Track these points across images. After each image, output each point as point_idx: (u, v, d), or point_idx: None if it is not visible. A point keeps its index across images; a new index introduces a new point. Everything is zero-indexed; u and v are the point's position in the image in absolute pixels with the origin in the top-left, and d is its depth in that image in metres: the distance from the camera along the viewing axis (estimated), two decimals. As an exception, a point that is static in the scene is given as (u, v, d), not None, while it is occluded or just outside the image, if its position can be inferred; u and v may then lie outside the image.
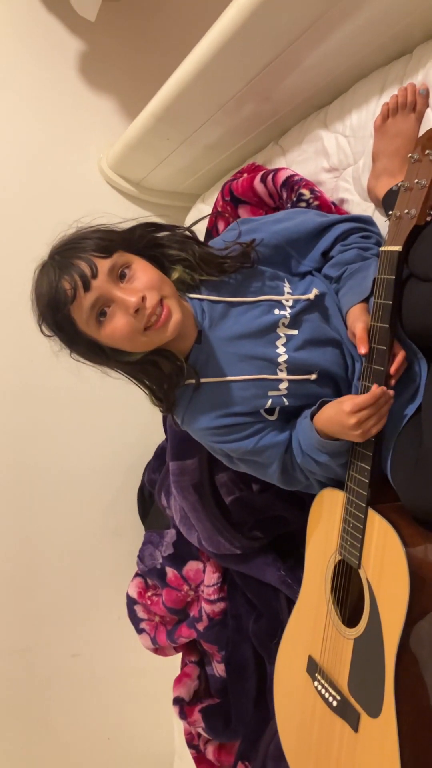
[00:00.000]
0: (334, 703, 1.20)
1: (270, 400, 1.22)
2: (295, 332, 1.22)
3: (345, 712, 1.18)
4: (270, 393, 1.22)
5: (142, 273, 1.12)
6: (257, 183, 1.52)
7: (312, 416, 1.17)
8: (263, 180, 1.51)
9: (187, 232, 1.23)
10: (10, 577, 2.33)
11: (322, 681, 1.25)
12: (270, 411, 1.25)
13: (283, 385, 1.22)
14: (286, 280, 1.25)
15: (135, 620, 1.95)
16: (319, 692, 1.24)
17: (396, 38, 1.32)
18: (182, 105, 1.70)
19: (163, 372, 1.20)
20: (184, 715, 1.78)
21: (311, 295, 1.22)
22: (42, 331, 1.15)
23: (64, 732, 2.40)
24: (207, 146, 1.92)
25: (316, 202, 1.40)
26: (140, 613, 1.93)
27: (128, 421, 2.41)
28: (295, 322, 1.22)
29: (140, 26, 2.34)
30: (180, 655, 1.93)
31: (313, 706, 1.27)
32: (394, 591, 1.06)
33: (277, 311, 1.21)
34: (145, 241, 1.19)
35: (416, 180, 1.09)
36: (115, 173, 2.30)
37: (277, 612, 1.53)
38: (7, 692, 2.32)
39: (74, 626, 2.40)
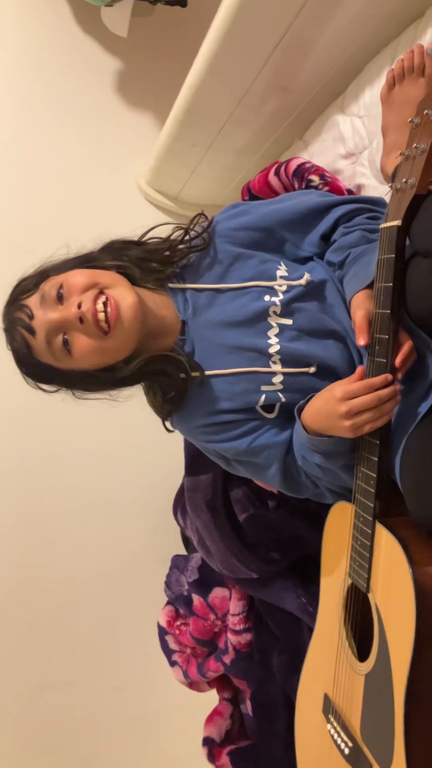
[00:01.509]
0: (347, 751, 1.04)
1: (263, 396, 1.10)
2: (289, 321, 1.10)
3: (357, 761, 1.02)
4: (263, 388, 1.10)
5: (74, 280, 1.04)
6: (272, 176, 1.43)
7: (300, 410, 1.04)
8: (277, 173, 1.41)
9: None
10: (53, 608, 2.28)
11: (335, 724, 1.09)
12: (268, 408, 1.13)
13: (277, 379, 1.09)
14: (282, 264, 1.13)
15: (167, 652, 1.83)
16: (332, 737, 1.08)
17: (407, 4, 1.20)
18: (201, 105, 1.64)
19: (169, 377, 1.11)
20: (212, 757, 1.63)
21: (302, 281, 1.10)
22: (43, 390, 1.13)
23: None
24: (234, 150, 1.85)
25: (326, 188, 1.29)
26: (171, 644, 1.81)
27: (171, 443, 2.33)
28: (288, 310, 1.10)
29: (172, 40, 2.31)
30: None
31: (329, 753, 1.11)
32: (401, 619, 0.91)
33: (267, 298, 1.10)
34: (77, 262, 1.12)
35: (415, 145, 0.96)
36: (153, 189, 2.27)
37: (299, 644, 1.38)
38: (49, 727, 2.24)
39: (117, 659, 2.31)
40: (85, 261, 1.12)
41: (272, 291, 1.11)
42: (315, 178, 1.29)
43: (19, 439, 2.19)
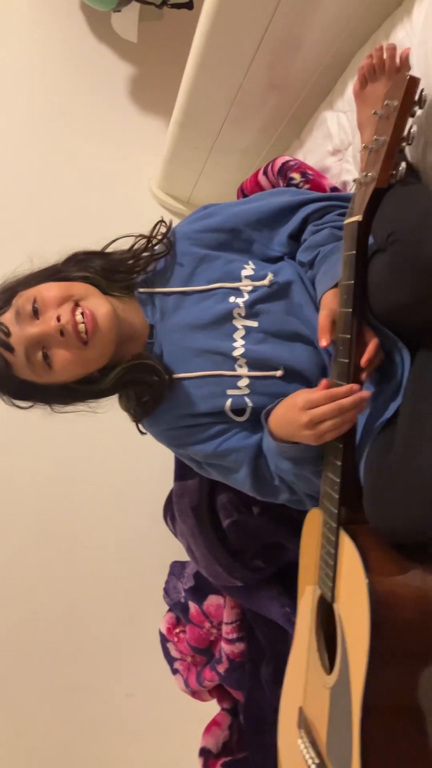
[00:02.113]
0: (313, 767, 1.00)
1: (230, 400, 1.08)
2: (254, 323, 1.08)
3: (322, 778, 0.98)
4: (229, 391, 1.08)
5: (47, 294, 1.04)
6: (260, 176, 1.41)
7: (267, 415, 1.01)
8: (265, 172, 1.38)
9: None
10: (64, 613, 2.28)
11: (305, 739, 1.05)
12: (238, 411, 1.10)
13: (243, 383, 1.07)
14: (250, 263, 1.11)
15: (169, 659, 1.81)
16: (302, 752, 1.05)
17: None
18: (197, 107, 1.63)
19: (146, 384, 1.10)
20: (207, 768, 1.60)
21: (266, 281, 1.07)
22: (18, 407, 1.12)
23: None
24: (237, 151, 1.83)
25: (307, 186, 1.26)
26: (173, 651, 1.79)
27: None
28: (252, 312, 1.08)
29: (183, 44, 2.31)
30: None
31: (299, 768, 1.07)
32: (358, 630, 0.87)
33: (232, 299, 1.08)
34: (44, 276, 1.11)
35: (375, 138, 0.93)
36: (164, 193, 2.28)
37: (284, 654, 1.33)
38: (58, 731, 2.25)
39: (129, 665, 2.30)
40: (52, 274, 1.12)
41: (237, 292, 1.09)
42: (296, 176, 1.26)
43: (22, 452, 2.21)
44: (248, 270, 1.10)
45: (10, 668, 2.25)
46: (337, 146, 1.32)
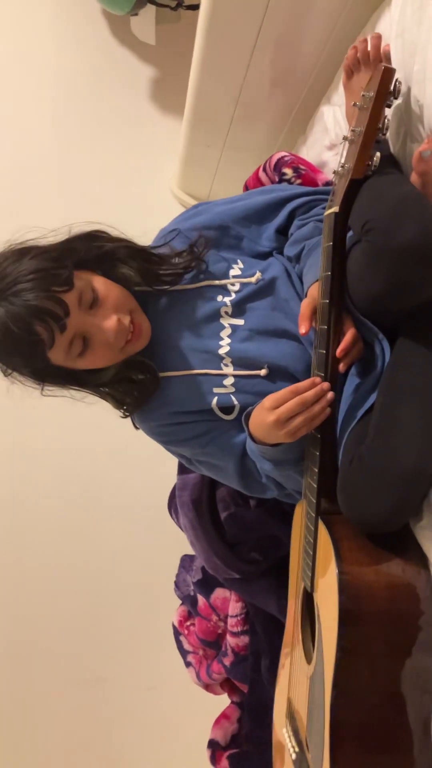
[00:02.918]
0: (293, 756, 1.01)
1: (216, 398, 1.09)
2: (240, 322, 1.09)
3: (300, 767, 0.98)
4: (215, 390, 1.09)
5: (109, 293, 1.03)
6: (261, 173, 1.41)
7: (247, 418, 1.02)
8: (264, 168, 1.39)
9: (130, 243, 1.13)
10: (87, 605, 2.33)
11: (289, 728, 1.06)
12: (226, 410, 1.11)
13: (229, 381, 1.08)
14: (239, 261, 1.12)
15: (182, 652, 1.82)
16: (286, 742, 1.05)
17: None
18: (204, 106, 1.66)
19: (135, 381, 1.11)
20: (214, 760, 1.61)
21: (253, 279, 1.08)
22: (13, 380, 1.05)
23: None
24: (248, 148, 1.84)
25: (299, 181, 1.26)
26: (185, 644, 1.80)
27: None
28: (239, 310, 1.09)
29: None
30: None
31: (286, 758, 1.08)
32: (330, 620, 0.87)
33: (220, 298, 1.09)
34: (92, 254, 1.08)
35: (352, 128, 0.93)
36: (184, 192, 2.30)
37: (280, 648, 1.34)
38: (78, 723, 2.29)
39: (151, 658, 2.33)
40: (103, 258, 1.08)
41: (225, 291, 1.10)
42: (288, 171, 1.27)
43: (39, 446, 2.26)
44: (236, 269, 1.11)
45: (35, 662, 2.31)
46: (333, 140, 1.32)
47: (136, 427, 1.19)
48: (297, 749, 1.00)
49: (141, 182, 2.37)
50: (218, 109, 1.63)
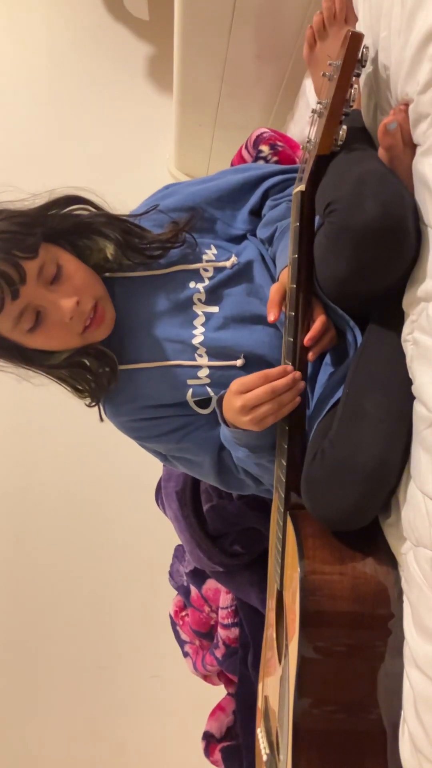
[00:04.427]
0: (264, 757, 0.98)
1: (191, 390, 1.04)
2: (215, 309, 1.04)
3: (271, 769, 0.95)
4: (189, 382, 1.04)
5: (74, 273, 0.98)
6: (243, 151, 1.36)
7: (220, 401, 0.97)
8: (246, 146, 1.34)
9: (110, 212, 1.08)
10: (91, 593, 2.32)
11: (263, 728, 1.03)
12: (202, 403, 1.07)
13: (203, 373, 1.03)
14: (213, 246, 1.07)
15: (180, 642, 1.80)
16: (258, 742, 1.02)
17: None
18: (190, 83, 1.62)
19: (91, 370, 1.06)
20: (208, 752, 1.59)
21: (228, 263, 1.03)
22: None
23: (139, 755, 2.31)
24: (239, 126, 1.79)
25: (275, 158, 1.21)
26: (182, 634, 1.78)
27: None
28: (213, 297, 1.04)
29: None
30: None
31: (260, 759, 1.05)
32: (294, 621, 0.83)
33: (192, 284, 1.04)
34: (67, 225, 1.03)
35: (318, 101, 0.87)
36: (181, 172, 2.27)
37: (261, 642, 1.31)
38: (82, 710, 2.29)
39: (155, 646, 2.32)
40: (77, 229, 1.03)
41: (198, 277, 1.04)
42: (264, 149, 1.21)
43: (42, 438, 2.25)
44: (209, 254, 1.06)
45: (40, 651, 2.31)
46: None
47: (102, 419, 1.14)
48: (268, 750, 0.96)
49: (138, 161, 2.33)
50: (204, 86, 1.58)
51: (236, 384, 0.87)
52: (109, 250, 1.04)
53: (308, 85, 1.30)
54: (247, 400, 0.85)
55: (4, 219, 0.96)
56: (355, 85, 0.84)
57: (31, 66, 2.31)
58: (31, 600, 2.32)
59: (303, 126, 1.33)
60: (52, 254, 0.97)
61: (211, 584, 1.58)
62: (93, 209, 1.08)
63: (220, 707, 1.69)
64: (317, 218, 0.89)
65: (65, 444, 2.28)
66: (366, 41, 0.82)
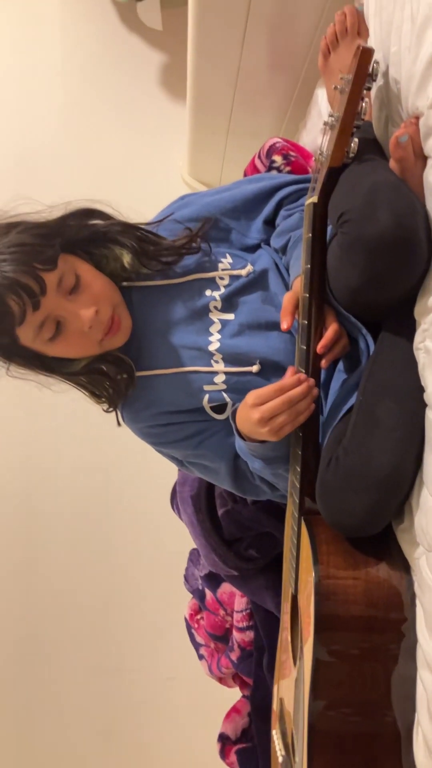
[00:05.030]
0: (280, 759, 0.99)
1: (207, 396, 1.06)
2: (230, 317, 1.06)
3: (286, 771, 0.96)
4: (206, 387, 1.06)
5: (92, 283, 1.00)
6: (256, 160, 1.38)
7: (234, 414, 0.99)
8: (259, 155, 1.36)
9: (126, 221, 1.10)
10: (108, 596, 2.34)
11: (278, 730, 1.04)
12: (218, 408, 1.08)
13: (219, 378, 1.05)
14: (228, 255, 1.09)
15: (195, 645, 1.82)
16: (274, 744, 1.04)
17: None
18: (203, 92, 1.65)
19: (109, 376, 1.08)
20: (223, 754, 1.61)
21: (243, 272, 1.05)
22: None
23: (155, 757, 2.33)
24: (252, 134, 1.81)
25: (288, 168, 1.22)
26: (197, 637, 1.80)
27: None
28: (229, 304, 1.06)
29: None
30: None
31: (275, 761, 1.07)
32: (309, 625, 0.85)
33: (208, 293, 1.06)
34: (83, 235, 1.05)
35: (330, 114, 0.89)
36: (195, 180, 2.29)
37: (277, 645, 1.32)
38: (98, 712, 2.31)
39: (171, 649, 2.33)
40: (94, 238, 1.05)
41: (213, 285, 1.06)
42: (277, 159, 1.23)
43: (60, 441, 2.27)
44: (225, 263, 1.08)
45: (57, 653, 2.34)
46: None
47: (119, 424, 1.16)
48: (284, 752, 0.98)
49: (152, 169, 2.35)
50: (218, 95, 1.61)
51: (251, 397, 0.89)
52: (126, 258, 1.07)
53: (320, 94, 1.31)
54: (264, 411, 0.87)
55: (23, 231, 0.98)
56: (366, 99, 0.86)
57: (47, 77, 2.34)
58: (47, 604, 2.34)
59: (315, 134, 1.35)
60: (71, 265, 0.99)
61: (226, 588, 1.59)
62: (106, 221, 1.10)
63: (235, 709, 1.70)
64: (330, 228, 0.91)
65: (82, 448, 2.31)
66: (377, 56, 0.84)
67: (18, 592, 2.33)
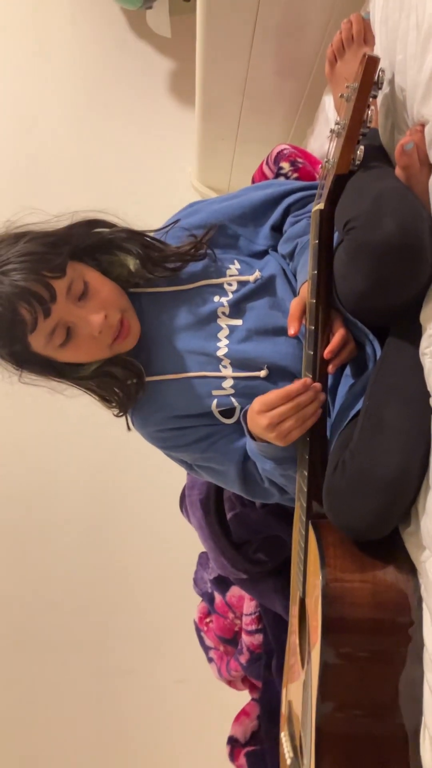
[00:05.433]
0: (288, 762, 1.00)
1: (215, 400, 1.07)
2: (238, 322, 1.07)
3: (294, 773, 0.97)
4: (214, 392, 1.07)
5: (101, 288, 1.02)
6: (264, 167, 1.39)
7: (245, 415, 1.00)
8: (267, 162, 1.37)
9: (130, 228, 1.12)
10: (117, 597, 2.35)
11: (287, 732, 1.05)
12: (226, 413, 1.09)
13: (228, 383, 1.06)
14: (236, 261, 1.10)
15: (204, 648, 1.83)
16: (282, 746, 1.04)
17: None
18: (212, 98, 1.66)
19: (119, 381, 1.10)
20: (233, 757, 1.61)
21: (251, 278, 1.06)
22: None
23: (165, 759, 2.33)
24: (261, 140, 1.82)
25: (295, 175, 1.23)
26: (207, 640, 1.81)
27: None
28: (236, 310, 1.07)
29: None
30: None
31: (284, 763, 1.07)
32: (316, 628, 0.86)
33: (216, 298, 1.07)
34: (90, 242, 1.07)
35: (336, 121, 0.90)
36: (204, 185, 2.29)
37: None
38: (108, 713, 2.32)
39: (180, 652, 2.34)
40: (100, 246, 1.08)
41: (222, 291, 1.08)
42: (285, 165, 1.24)
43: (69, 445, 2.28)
44: (233, 269, 1.09)
45: (66, 655, 2.35)
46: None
47: (129, 428, 1.17)
48: (292, 755, 0.99)
49: (161, 175, 2.36)
50: (226, 102, 1.62)
51: (258, 403, 0.90)
52: (131, 264, 1.08)
53: (328, 101, 1.32)
54: (272, 417, 0.88)
55: (31, 240, 1.00)
56: (372, 107, 0.87)
57: (56, 84, 2.36)
58: (55, 607, 2.35)
59: (323, 141, 1.35)
60: (79, 272, 1.01)
61: (235, 591, 1.60)
62: (112, 229, 1.11)
63: (244, 712, 1.71)
64: (336, 235, 0.92)
65: (92, 453, 2.32)
66: (382, 64, 0.85)
67: (27, 595, 2.34)
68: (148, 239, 1.11)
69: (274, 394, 0.89)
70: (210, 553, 1.42)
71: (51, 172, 2.36)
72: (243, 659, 1.57)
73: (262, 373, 1.05)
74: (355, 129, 0.87)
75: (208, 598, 1.70)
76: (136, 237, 1.10)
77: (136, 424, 1.14)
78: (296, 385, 0.89)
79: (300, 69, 1.43)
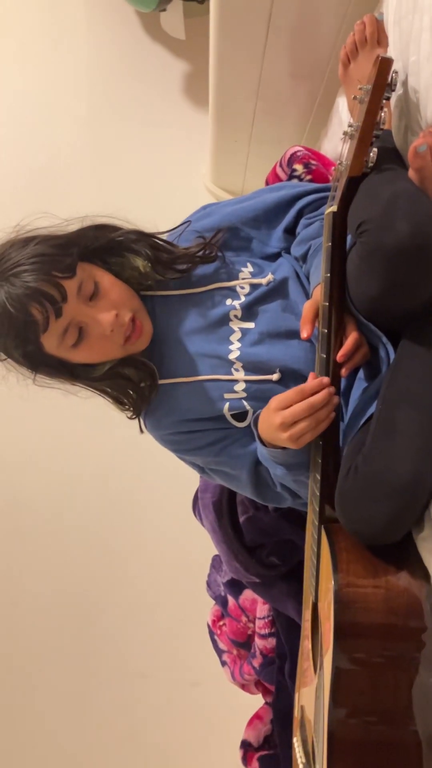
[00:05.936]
0: (300, 766, 0.99)
1: (227, 404, 1.07)
2: (251, 325, 1.06)
3: (307, 779, 0.96)
4: (226, 396, 1.07)
5: (111, 289, 1.03)
6: (278, 169, 1.39)
7: (257, 421, 1.00)
8: (281, 164, 1.37)
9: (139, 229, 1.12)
10: (130, 604, 2.36)
11: (299, 737, 1.04)
12: (238, 416, 1.09)
13: (240, 387, 1.06)
14: (249, 264, 1.10)
15: (217, 651, 1.82)
16: (294, 751, 1.04)
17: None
18: (226, 100, 1.67)
19: (132, 382, 1.11)
20: (245, 761, 1.61)
21: (264, 280, 1.06)
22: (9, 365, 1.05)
23: (178, 762, 2.33)
24: (275, 141, 1.82)
25: (309, 177, 1.23)
26: (220, 643, 1.80)
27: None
28: (249, 313, 1.07)
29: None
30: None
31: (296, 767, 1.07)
32: (329, 633, 0.85)
33: (229, 302, 1.07)
34: (100, 244, 1.08)
35: (350, 124, 0.90)
36: (218, 187, 2.30)
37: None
38: (122, 716, 2.32)
39: (194, 655, 2.33)
40: (110, 248, 1.08)
41: (234, 294, 1.08)
42: (298, 167, 1.24)
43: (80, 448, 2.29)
44: (245, 272, 1.09)
45: (82, 658, 2.35)
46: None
47: (142, 431, 1.17)
48: (304, 760, 0.98)
49: (175, 176, 2.37)
50: (240, 104, 1.62)
51: (275, 401, 0.90)
52: (141, 265, 1.08)
53: (341, 103, 1.32)
54: (285, 417, 0.88)
55: (40, 243, 1.01)
56: (386, 108, 0.87)
57: (70, 87, 2.37)
58: (70, 611, 2.36)
59: (336, 143, 1.35)
60: (89, 272, 1.02)
61: (248, 594, 1.60)
62: (122, 232, 1.12)
63: (257, 716, 1.70)
64: (349, 237, 0.91)
65: (105, 456, 2.33)
66: (396, 65, 0.85)
67: (42, 599, 2.35)
68: (158, 241, 1.11)
69: (289, 392, 0.89)
70: (223, 556, 1.42)
71: (64, 175, 2.37)
72: (256, 663, 1.56)
73: (275, 377, 1.05)
74: (369, 131, 0.87)
75: (222, 601, 1.70)
76: (146, 239, 1.11)
77: (148, 426, 1.14)
78: (311, 383, 0.88)
79: (313, 71, 1.43)
